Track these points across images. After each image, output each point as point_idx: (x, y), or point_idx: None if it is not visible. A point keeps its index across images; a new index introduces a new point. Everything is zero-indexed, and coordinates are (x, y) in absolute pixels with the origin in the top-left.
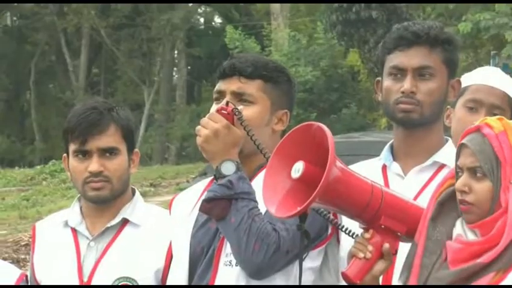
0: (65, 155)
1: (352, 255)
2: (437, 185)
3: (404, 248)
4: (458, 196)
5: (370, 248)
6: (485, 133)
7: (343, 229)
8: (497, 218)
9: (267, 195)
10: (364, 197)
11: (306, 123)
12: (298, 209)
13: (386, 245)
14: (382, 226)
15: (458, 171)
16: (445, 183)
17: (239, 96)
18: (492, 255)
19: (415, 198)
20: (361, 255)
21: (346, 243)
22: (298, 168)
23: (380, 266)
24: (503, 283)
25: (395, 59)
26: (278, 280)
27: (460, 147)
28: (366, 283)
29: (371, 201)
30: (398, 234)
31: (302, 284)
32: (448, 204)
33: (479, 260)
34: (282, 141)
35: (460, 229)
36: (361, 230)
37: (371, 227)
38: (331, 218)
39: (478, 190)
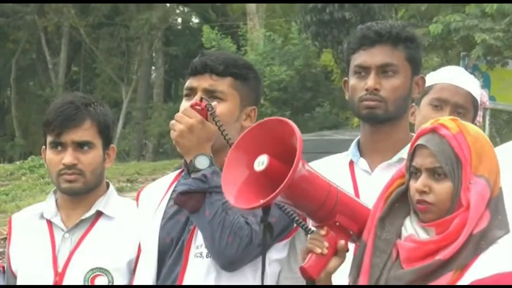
0: (44, 147)
1: (308, 251)
2: (385, 184)
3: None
4: (417, 196)
5: (326, 244)
6: (443, 134)
7: (301, 225)
8: (456, 217)
9: (226, 185)
10: (321, 195)
11: (274, 118)
12: (262, 202)
13: (342, 242)
14: (337, 223)
15: (414, 171)
16: (394, 183)
17: (210, 93)
18: (450, 251)
19: None
20: (319, 250)
21: None
22: (262, 161)
23: (334, 262)
24: (459, 282)
25: (359, 57)
26: (247, 271)
27: (415, 148)
28: (321, 281)
29: (327, 199)
30: (351, 233)
31: (268, 275)
32: (397, 204)
33: (438, 257)
34: (244, 134)
35: (410, 228)
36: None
37: (325, 225)
38: (291, 213)
39: (439, 190)
